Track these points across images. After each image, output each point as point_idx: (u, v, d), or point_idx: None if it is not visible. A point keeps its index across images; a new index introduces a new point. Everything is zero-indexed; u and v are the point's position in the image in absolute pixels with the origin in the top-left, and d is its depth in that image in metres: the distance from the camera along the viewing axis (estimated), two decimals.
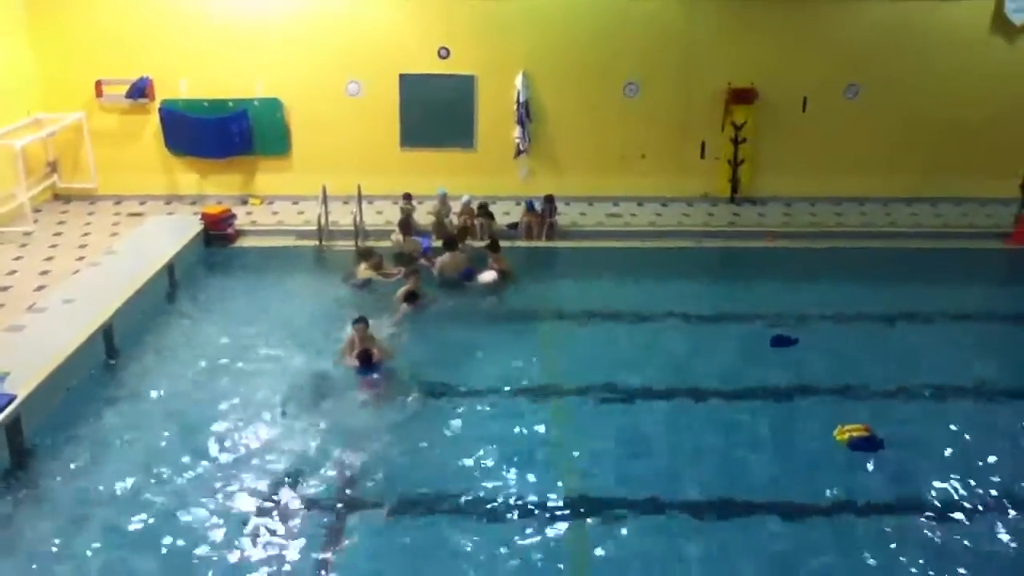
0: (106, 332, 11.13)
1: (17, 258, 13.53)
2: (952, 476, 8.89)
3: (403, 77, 16.59)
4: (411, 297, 12.21)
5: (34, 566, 7.49)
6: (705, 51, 16.62)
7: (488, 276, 13.40)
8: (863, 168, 17.31)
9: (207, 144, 16.48)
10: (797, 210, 16.99)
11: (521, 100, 16.51)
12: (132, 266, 13.02)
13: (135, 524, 8.03)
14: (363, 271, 13.37)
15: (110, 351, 11.15)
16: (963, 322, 12.68)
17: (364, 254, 13.69)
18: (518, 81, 16.53)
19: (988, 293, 14.23)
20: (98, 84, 16.24)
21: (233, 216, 15.38)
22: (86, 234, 14.83)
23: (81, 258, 13.56)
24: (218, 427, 9.58)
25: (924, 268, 14.61)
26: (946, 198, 17.45)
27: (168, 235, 14.60)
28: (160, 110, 16.36)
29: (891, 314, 12.72)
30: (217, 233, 14.95)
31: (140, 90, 16.19)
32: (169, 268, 13.46)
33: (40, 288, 12.29)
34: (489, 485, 8.66)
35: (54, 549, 7.68)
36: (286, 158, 17.00)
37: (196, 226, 14.93)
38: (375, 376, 10.56)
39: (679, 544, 7.89)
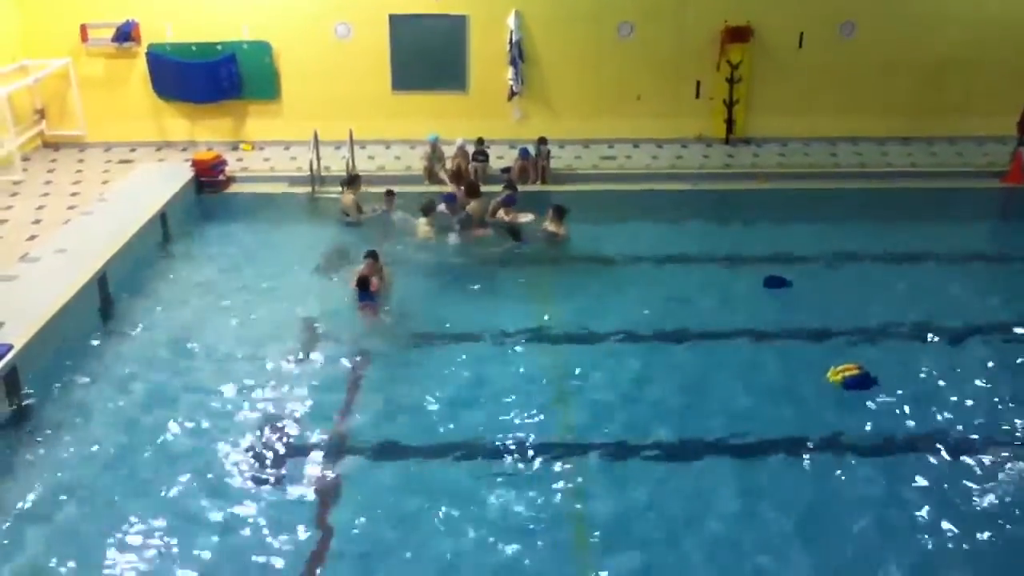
0: (100, 281, 11.11)
1: (7, 207, 13.43)
2: (945, 414, 8.98)
3: (393, 18, 16.30)
4: (516, 234, 12.94)
5: (31, 516, 7.55)
6: None
7: (525, 216, 13.57)
8: (858, 108, 17.15)
9: (196, 89, 16.25)
10: (792, 150, 16.86)
11: (514, 40, 16.25)
12: (124, 214, 12.95)
13: (133, 468, 8.11)
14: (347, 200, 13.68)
15: (105, 300, 11.15)
16: (957, 262, 12.71)
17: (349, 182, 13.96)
18: (510, 21, 16.25)
19: (982, 232, 14.28)
20: (83, 28, 15.94)
21: (224, 162, 15.22)
22: (77, 182, 14.70)
23: (73, 207, 13.46)
24: (214, 372, 9.65)
25: (919, 208, 14.58)
26: (942, 137, 17.33)
27: (159, 182, 14.49)
28: (147, 54, 16.09)
29: (885, 254, 12.76)
30: (208, 180, 14.82)
31: (126, 34, 15.92)
32: (162, 216, 13.38)
33: (32, 237, 12.21)
34: (483, 427, 8.72)
35: (53, 499, 7.73)
36: (276, 103, 16.79)
37: (187, 173, 14.81)
38: (371, 303, 10.82)
39: (673, 484, 7.99)
